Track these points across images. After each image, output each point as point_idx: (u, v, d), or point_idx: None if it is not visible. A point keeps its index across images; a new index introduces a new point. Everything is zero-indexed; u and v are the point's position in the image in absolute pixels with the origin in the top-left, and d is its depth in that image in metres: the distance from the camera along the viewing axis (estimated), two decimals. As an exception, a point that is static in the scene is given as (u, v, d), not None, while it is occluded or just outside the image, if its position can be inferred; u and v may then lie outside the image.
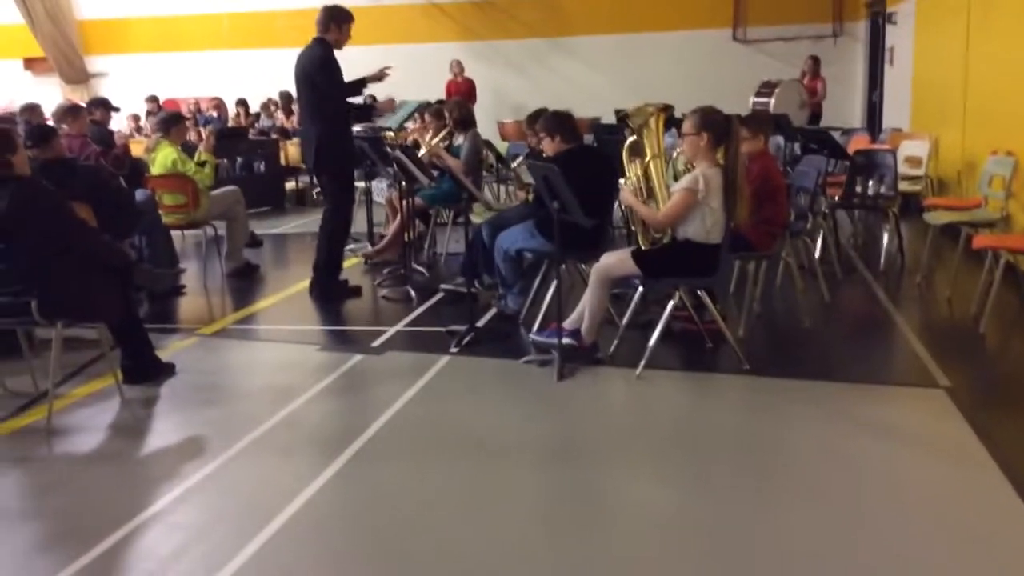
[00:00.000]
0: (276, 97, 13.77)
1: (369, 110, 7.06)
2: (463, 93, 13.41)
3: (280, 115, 13.63)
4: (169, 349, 5.44)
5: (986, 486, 3.36)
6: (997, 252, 5.52)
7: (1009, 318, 5.69)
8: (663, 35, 14.38)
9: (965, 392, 4.33)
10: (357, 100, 6.81)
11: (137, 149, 9.74)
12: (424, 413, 4.32)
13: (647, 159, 4.91)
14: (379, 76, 6.64)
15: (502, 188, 9.81)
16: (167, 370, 4.94)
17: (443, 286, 6.59)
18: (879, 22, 12.61)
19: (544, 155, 5.62)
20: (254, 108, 14.20)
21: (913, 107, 10.20)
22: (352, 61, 6.63)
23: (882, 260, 7.06)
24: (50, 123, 7.32)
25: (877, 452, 3.72)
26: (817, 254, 6.65)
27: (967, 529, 3.06)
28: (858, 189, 7.15)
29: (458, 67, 13.96)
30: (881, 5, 12.25)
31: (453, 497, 3.44)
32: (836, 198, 7.30)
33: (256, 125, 13.56)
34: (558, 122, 5.55)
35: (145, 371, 4.84)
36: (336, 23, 6.29)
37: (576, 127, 5.63)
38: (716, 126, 4.57)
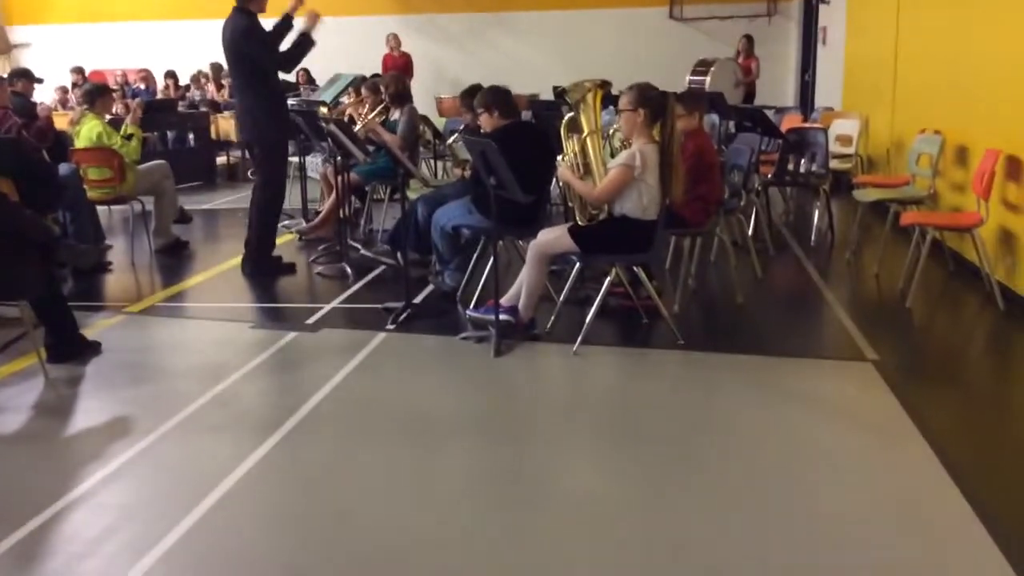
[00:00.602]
0: (207, 69, 13.45)
1: (284, 29, 6.61)
2: (400, 67, 13.24)
3: (211, 87, 13.33)
4: (95, 327, 5.28)
5: (911, 455, 3.45)
6: (924, 229, 5.66)
7: (935, 293, 5.85)
8: (602, 12, 14.40)
9: (891, 365, 4.43)
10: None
11: (62, 122, 9.42)
12: (359, 391, 4.27)
13: (584, 135, 4.90)
14: (310, 24, 6.38)
15: (439, 164, 9.74)
16: (92, 348, 4.81)
17: (363, 251, 6.53)
18: (812, 2, 12.79)
19: (482, 131, 5.58)
20: (184, 80, 13.86)
21: (845, 87, 10.38)
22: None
23: (813, 237, 7.20)
24: (-33, 94, 7.02)
25: (807, 424, 3.80)
26: (750, 231, 6.75)
27: (894, 496, 3.14)
28: (790, 167, 7.28)
29: (395, 41, 13.78)
30: (814, -15, 12.43)
31: (387, 476, 3.41)
32: (769, 175, 7.41)
33: (186, 97, 13.24)
34: (496, 97, 5.52)
35: (69, 349, 4.70)
36: None
37: (514, 103, 5.62)
38: (652, 102, 4.58)
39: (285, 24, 6.30)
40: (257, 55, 6.10)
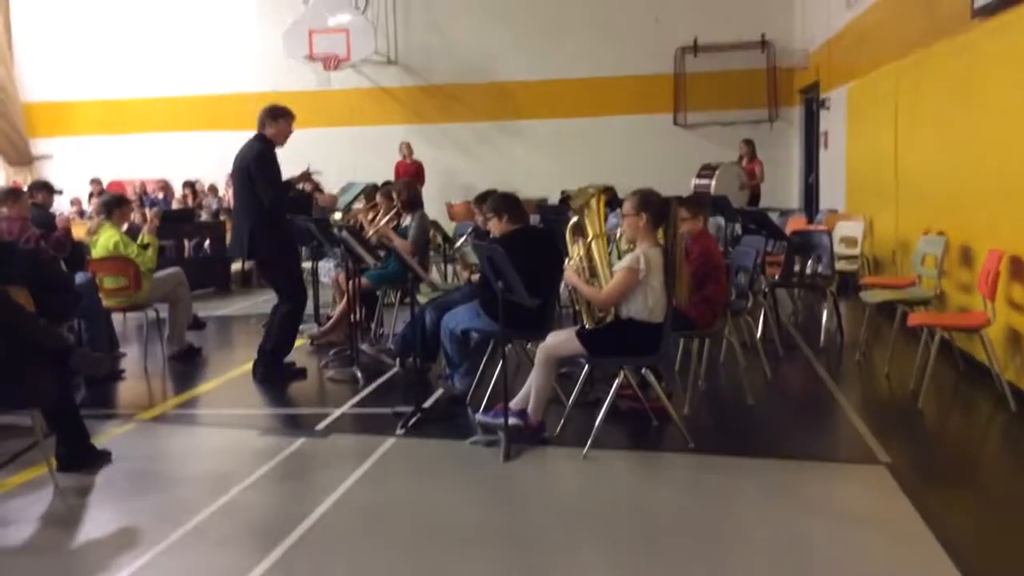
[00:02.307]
0: (219, 180, 13.78)
1: (307, 201, 6.98)
2: (411, 174, 13.56)
3: (229, 196, 13.63)
4: (106, 435, 5.29)
5: (927, 563, 3.39)
6: (932, 329, 5.67)
7: (946, 394, 5.82)
8: (608, 119, 14.77)
9: (905, 468, 4.38)
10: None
11: (80, 231, 9.63)
12: (368, 498, 4.24)
13: (589, 239, 4.99)
14: (305, 176, 6.68)
15: (449, 268, 9.86)
16: (103, 457, 4.81)
17: (366, 348, 6.57)
18: (813, 108, 13.10)
19: (491, 235, 5.69)
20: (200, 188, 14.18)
21: (848, 189, 10.55)
22: (302, 142, 6.71)
23: (822, 337, 7.20)
24: (-10, 206, 7.21)
25: (820, 531, 3.74)
26: (759, 332, 6.77)
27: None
28: (796, 268, 7.34)
29: (407, 149, 14.14)
30: (815, 91, 12.75)
31: (396, 584, 3.36)
32: (776, 277, 7.47)
33: (203, 205, 13.53)
34: (505, 203, 5.64)
35: (80, 459, 4.70)
36: (271, 118, 6.38)
37: (522, 208, 5.72)
38: (654, 207, 4.68)
39: (286, 186, 6.55)
40: (264, 182, 6.26)
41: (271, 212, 6.33)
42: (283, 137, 6.46)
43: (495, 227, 5.62)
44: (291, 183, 6.55)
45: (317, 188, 7.53)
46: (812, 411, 5.64)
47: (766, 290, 7.25)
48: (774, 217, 9.16)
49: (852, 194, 10.35)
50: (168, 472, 4.81)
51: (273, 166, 6.34)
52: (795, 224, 9.58)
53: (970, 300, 6.26)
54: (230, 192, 13.54)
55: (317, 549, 3.68)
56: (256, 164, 6.25)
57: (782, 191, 13.89)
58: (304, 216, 8.29)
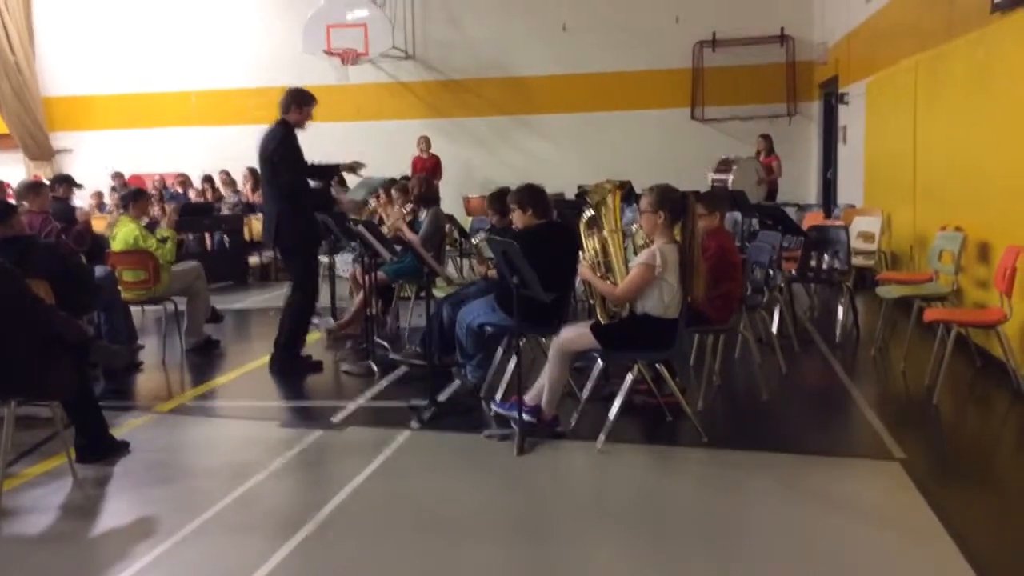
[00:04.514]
0: (237, 174, 13.84)
1: (329, 199, 7.02)
2: (429, 169, 13.58)
3: (247, 190, 13.70)
4: (124, 427, 5.36)
5: (940, 556, 3.39)
6: (948, 325, 5.64)
7: (962, 390, 5.80)
8: (625, 114, 14.73)
9: (920, 464, 4.38)
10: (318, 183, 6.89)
11: (100, 225, 9.71)
12: (383, 490, 4.28)
13: (605, 234, 5.00)
14: (352, 167, 6.75)
15: (465, 262, 9.88)
16: (121, 448, 4.87)
17: (392, 356, 6.61)
18: (832, 102, 13.03)
19: (514, 227, 5.68)
20: (217, 183, 14.25)
21: (866, 184, 10.48)
22: (320, 136, 6.75)
23: (838, 333, 7.18)
24: (12, 200, 7.29)
25: (834, 527, 3.75)
26: (774, 327, 6.75)
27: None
28: (813, 263, 7.31)
29: (425, 143, 14.16)
30: (833, 86, 12.67)
31: (410, 576, 3.40)
32: (792, 272, 7.45)
33: (223, 199, 13.60)
34: (531, 196, 5.56)
35: (98, 450, 4.77)
36: (296, 104, 6.42)
37: (548, 203, 5.65)
38: (672, 204, 4.67)
39: (328, 170, 6.61)
40: (288, 164, 6.32)
41: (292, 197, 6.38)
42: (305, 122, 6.51)
43: (519, 219, 5.58)
44: (338, 167, 6.59)
45: (342, 181, 7.61)
46: (827, 407, 5.63)
47: (782, 285, 7.22)
48: (791, 212, 9.14)
49: (870, 189, 10.30)
50: (186, 463, 4.87)
51: (296, 150, 6.39)
52: (812, 219, 9.54)
53: (987, 296, 6.23)
54: (248, 186, 13.64)
55: (333, 540, 3.72)
56: (279, 149, 6.30)
57: (800, 186, 13.83)
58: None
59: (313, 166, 6.64)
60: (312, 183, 6.71)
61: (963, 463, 4.59)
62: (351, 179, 9.51)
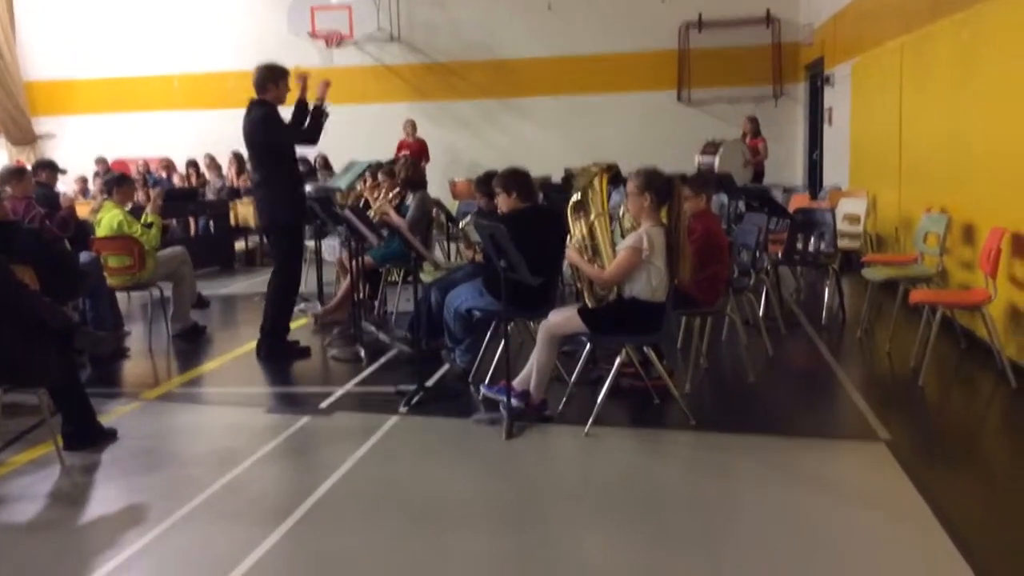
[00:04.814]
0: (222, 158, 13.76)
1: (302, 115, 6.78)
2: (415, 152, 13.53)
3: (231, 174, 13.62)
4: (111, 414, 5.34)
5: (924, 536, 3.43)
6: (934, 306, 5.68)
7: (947, 371, 5.85)
8: (611, 96, 14.69)
9: (905, 445, 4.42)
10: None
11: (84, 210, 9.64)
12: (372, 475, 4.28)
13: (592, 218, 4.99)
14: (308, 87, 6.62)
15: (452, 246, 9.87)
16: (108, 436, 4.86)
17: (381, 336, 6.60)
18: (818, 84, 13.04)
19: (499, 211, 5.67)
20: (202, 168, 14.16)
21: (851, 166, 10.52)
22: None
23: (824, 315, 7.22)
24: (-7, 186, 7.22)
25: (820, 507, 3.78)
26: (761, 310, 6.78)
27: (907, 581, 3.11)
28: (799, 246, 7.34)
29: (411, 127, 14.11)
30: (819, 67, 12.68)
31: (400, 562, 3.41)
32: (778, 255, 7.47)
33: (207, 184, 13.52)
34: (515, 180, 5.56)
35: (86, 437, 4.75)
36: (272, 81, 6.35)
37: (532, 186, 5.66)
38: (658, 186, 4.67)
39: (300, 110, 6.52)
40: (279, 140, 6.29)
41: (286, 176, 6.38)
42: (284, 98, 6.44)
43: (503, 203, 5.57)
44: (318, 106, 6.49)
45: (327, 165, 7.53)
46: (813, 388, 5.67)
47: (768, 267, 7.25)
48: (778, 194, 9.15)
49: (856, 171, 10.33)
50: (173, 450, 4.86)
51: (280, 123, 6.34)
52: (798, 201, 9.57)
53: (972, 277, 6.26)
54: (233, 170, 13.56)
55: (322, 525, 3.72)
56: (262, 130, 6.25)
57: (786, 168, 13.85)
58: (310, 188, 8.32)
59: (306, 129, 6.54)
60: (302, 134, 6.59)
61: (948, 444, 4.63)
62: (337, 163, 9.50)
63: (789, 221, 7.55)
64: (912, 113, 7.96)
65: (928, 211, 6.90)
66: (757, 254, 6.38)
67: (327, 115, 6.55)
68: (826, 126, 12.40)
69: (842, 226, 8.18)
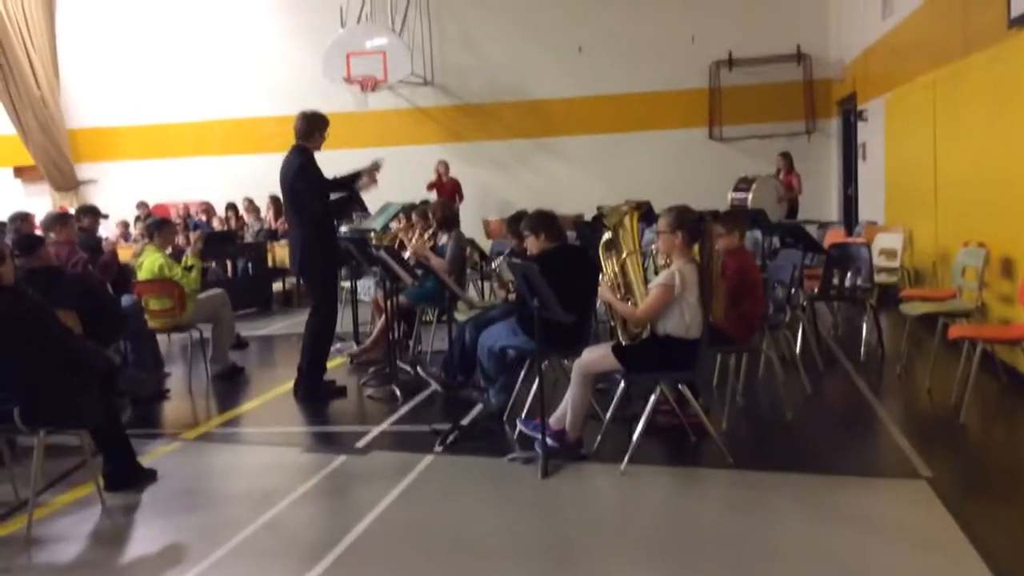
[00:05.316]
0: (261, 201, 13.98)
1: (352, 181, 6.91)
2: (448, 193, 13.66)
3: (269, 217, 13.83)
4: (152, 454, 5.41)
5: (969, 577, 3.36)
6: (974, 341, 5.60)
7: (989, 407, 5.75)
8: (643, 134, 14.75)
9: (947, 482, 4.34)
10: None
11: (125, 254, 9.83)
12: (407, 515, 4.29)
13: (624, 256, 5.01)
14: (373, 169, 6.75)
15: (486, 285, 9.92)
16: (149, 476, 4.92)
17: (420, 372, 6.65)
18: (850, 119, 13.00)
19: (528, 253, 5.73)
20: (242, 211, 14.39)
21: (887, 201, 10.45)
22: (340, 162, 6.82)
23: (862, 351, 7.14)
24: (39, 232, 7.40)
25: (861, 547, 3.72)
26: (798, 346, 6.72)
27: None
28: (835, 281, 7.28)
29: (443, 167, 14.25)
30: (851, 103, 12.65)
31: (436, 600, 3.40)
32: (814, 290, 7.42)
33: (246, 227, 13.73)
34: (542, 221, 5.65)
35: (127, 478, 4.81)
36: (319, 130, 6.50)
37: (559, 226, 5.73)
38: (689, 224, 4.69)
39: (346, 185, 6.64)
40: (304, 193, 6.39)
41: (319, 222, 6.45)
42: (320, 146, 6.58)
43: (532, 245, 5.65)
44: (359, 174, 6.61)
45: (362, 206, 7.62)
46: (852, 426, 5.59)
47: (804, 304, 7.19)
48: (812, 230, 9.10)
49: (891, 206, 10.26)
50: (212, 490, 4.91)
51: (319, 175, 6.45)
52: (834, 236, 9.51)
53: (1012, 312, 6.18)
54: (271, 213, 13.77)
55: (358, 565, 3.73)
56: (301, 176, 6.36)
57: (821, 203, 13.77)
58: (345, 229, 8.43)
59: (335, 180, 6.66)
60: (336, 196, 6.71)
61: (991, 481, 4.55)
62: (372, 205, 9.62)
63: (825, 256, 7.51)
64: (947, 147, 7.91)
65: (966, 245, 6.83)
66: (792, 290, 6.34)
67: (358, 205, 6.66)
68: (860, 161, 12.34)
69: (878, 261, 8.12)
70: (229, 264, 12.46)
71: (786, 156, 12.44)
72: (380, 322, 7.68)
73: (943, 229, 8.00)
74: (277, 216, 13.55)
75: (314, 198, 6.40)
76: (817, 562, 3.58)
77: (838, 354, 7.32)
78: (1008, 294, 6.26)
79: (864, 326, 7.28)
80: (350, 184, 6.70)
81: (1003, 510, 4.13)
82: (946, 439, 5.17)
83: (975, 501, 4.20)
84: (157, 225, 7.56)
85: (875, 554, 3.63)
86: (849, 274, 7.26)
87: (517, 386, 5.80)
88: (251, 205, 14.12)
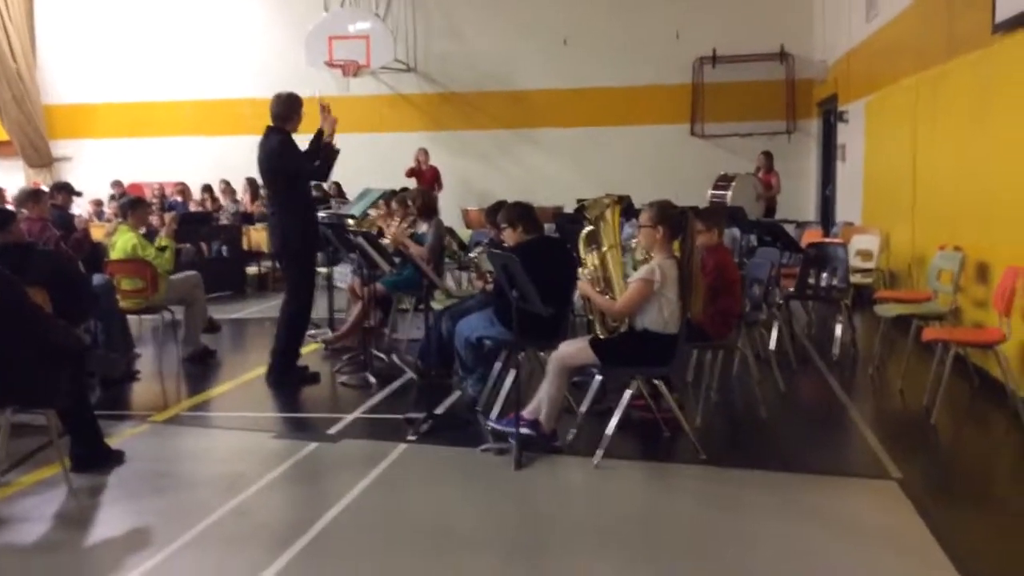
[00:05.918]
0: (237, 184, 13.86)
1: (318, 138, 6.75)
2: (427, 181, 13.60)
3: (246, 200, 13.71)
4: (120, 436, 5.33)
5: (937, 578, 3.38)
6: (947, 344, 5.64)
7: (960, 410, 5.79)
8: (625, 129, 14.76)
9: (917, 483, 4.37)
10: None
11: (98, 233, 9.70)
12: (379, 503, 4.26)
13: (604, 249, 4.99)
14: (325, 111, 6.58)
15: (464, 275, 9.88)
16: (116, 458, 4.85)
17: (395, 359, 6.60)
18: (831, 120, 13.07)
19: (505, 245, 5.70)
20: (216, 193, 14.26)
21: (864, 202, 10.51)
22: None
23: (836, 351, 7.17)
24: (11, 207, 7.28)
25: (830, 545, 3.73)
26: (772, 344, 6.75)
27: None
28: (811, 281, 7.31)
29: (423, 155, 14.19)
30: (833, 104, 12.71)
31: (405, 590, 3.38)
32: (791, 289, 7.45)
33: (221, 208, 13.61)
34: (519, 213, 5.65)
35: (94, 459, 4.74)
36: (296, 112, 6.42)
37: (537, 218, 5.73)
38: (671, 220, 4.68)
39: (318, 140, 6.56)
40: (293, 169, 6.33)
41: (300, 204, 6.45)
42: (297, 127, 6.50)
43: (509, 237, 5.63)
44: (328, 144, 6.51)
45: (341, 193, 7.55)
46: (825, 425, 5.62)
47: (781, 302, 7.22)
48: (790, 229, 9.14)
49: (869, 207, 10.32)
50: (181, 473, 4.85)
51: (296, 149, 6.39)
52: (811, 236, 9.55)
53: (985, 316, 6.22)
54: (247, 196, 13.65)
55: (329, 552, 3.70)
56: (278, 158, 6.30)
57: (799, 203, 13.84)
58: (323, 215, 8.34)
59: (307, 151, 6.57)
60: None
61: (960, 483, 4.58)
62: (351, 191, 9.56)
63: (802, 256, 7.54)
64: (926, 151, 7.96)
65: (942, 248, 6.87)
66: (769, 288, 6.36)
67: (337, 152, 6.59)
68: (839, 162, 12.41)
69: (855, 262, 8.16)
70: (204, 246, 12.33)
71: (767, 155, 12.49)
72: (356, 309, 7.63)
73: (920, 232, 8.05)
74: (253, 199, 13.45)
75: (302, 169, 6.36)
76: (786, 559, 3.59)
77: (812, 353, 7.36)
78: (982, 298, 6.31)
79: (838, 326, 7.32)
80: (319, 140, 6.60)
81: (971, 512, 4.16)
82: (917, 440, 5.21)
83: (944, 503, 4.22)
84: (131, 204, 7.46)
85: (843, 552, 3.64)
86: (825, 274, 7.30)
87: (493, 376, 5.77)
88: (228, 187, 14.00)
